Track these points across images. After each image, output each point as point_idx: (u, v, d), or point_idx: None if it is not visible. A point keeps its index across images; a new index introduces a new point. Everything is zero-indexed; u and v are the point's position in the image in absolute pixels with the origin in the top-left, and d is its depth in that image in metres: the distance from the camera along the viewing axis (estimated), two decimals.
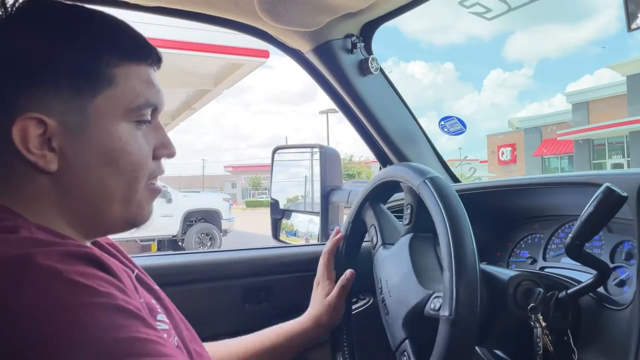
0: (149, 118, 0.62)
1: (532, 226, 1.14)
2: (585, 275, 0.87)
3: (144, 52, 0.62)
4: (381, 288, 0.95)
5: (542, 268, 1.05)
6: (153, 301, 0.64)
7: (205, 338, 1.22)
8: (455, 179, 1.44)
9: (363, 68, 1.28)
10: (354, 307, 1.27)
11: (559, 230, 1.07)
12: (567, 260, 1.01)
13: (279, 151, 1.78)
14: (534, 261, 1.09)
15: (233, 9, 1.13)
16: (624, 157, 21.65)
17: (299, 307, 1.35)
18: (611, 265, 0.90)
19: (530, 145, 27.80)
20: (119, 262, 0.65)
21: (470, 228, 0.76)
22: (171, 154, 0.66)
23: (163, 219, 9.25)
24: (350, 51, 1.26)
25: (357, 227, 1.12)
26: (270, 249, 1.42)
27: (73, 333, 0.45)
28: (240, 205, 36.42)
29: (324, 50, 1.26)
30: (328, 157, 1.65)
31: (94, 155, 0.57)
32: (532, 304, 0.79)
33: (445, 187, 0.82)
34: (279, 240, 1.77)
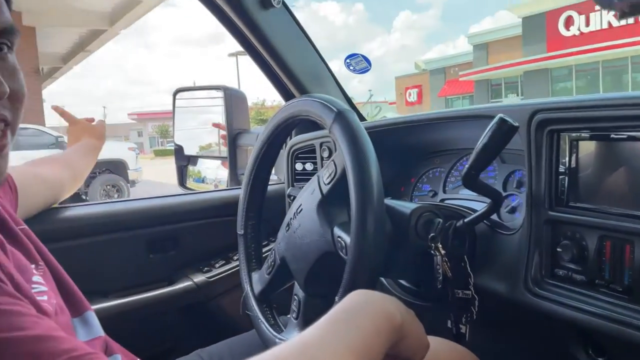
0: None
1: (433, 161, 1.17)
2: (480, 205, 0.92)
3: None
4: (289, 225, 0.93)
5: (442, 200, 1.10)
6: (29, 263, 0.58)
7: (111, 291, 1.17)
8: (362, 118, 1.44)
9: (264, 1, 1.21)
10: (264, 249, 1.26)
11: (458, 163, 1.12)
12: (465, 192, 1.06)
13: (180, 93, 1.67)
14: (435, 194, 1.13)
15: None
16: (518, 95, 23.20)
17: (208, 253, 1.32)
18: (504, 194, 0.95)
19: (435, 86, 28.91)
20: None
21: (377, 163, 0.75)
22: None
23: None
24: None
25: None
26: (176, 197, 1.36)
27: None
28: (148, 155, 34.78)
29: None
30: (233, 99, 1.57)
31: None
32: (432, 234, 0.83)
33: (355, 123, 0.79)
34: (186, 188, 1.70)
